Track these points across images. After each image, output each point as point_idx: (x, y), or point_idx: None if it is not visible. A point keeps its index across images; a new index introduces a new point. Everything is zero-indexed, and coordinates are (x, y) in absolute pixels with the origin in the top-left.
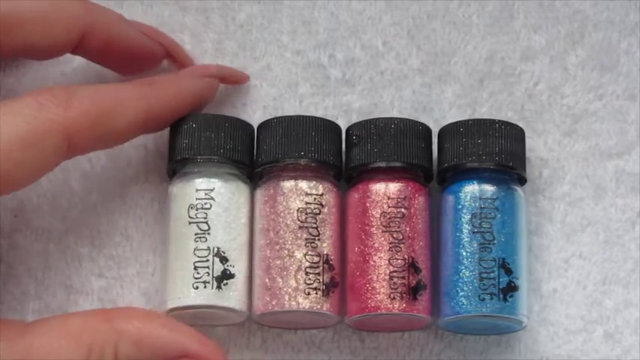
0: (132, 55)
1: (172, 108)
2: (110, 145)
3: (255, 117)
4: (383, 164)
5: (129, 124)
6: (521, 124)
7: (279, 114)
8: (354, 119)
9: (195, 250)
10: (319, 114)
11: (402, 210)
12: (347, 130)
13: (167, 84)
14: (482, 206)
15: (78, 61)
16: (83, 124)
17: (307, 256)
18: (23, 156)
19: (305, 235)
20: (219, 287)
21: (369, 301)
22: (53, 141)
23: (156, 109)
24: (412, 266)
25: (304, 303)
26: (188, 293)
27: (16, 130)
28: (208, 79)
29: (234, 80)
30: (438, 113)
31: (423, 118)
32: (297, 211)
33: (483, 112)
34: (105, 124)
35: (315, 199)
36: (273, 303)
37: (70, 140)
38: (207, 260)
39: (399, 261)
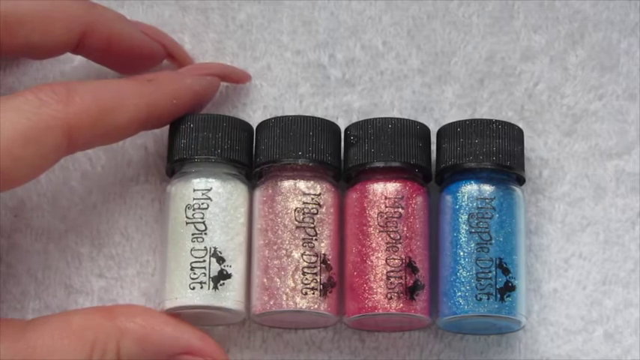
0: (132, 55)
1: (173, 105)
2: (111, 141)
3: (255, 117)
4: (380, 164)
5: (130, 120)
6: (521, 124)
7: (280, 114)
8: (354, 119)
9: (192, 250)
10: (319, 114)
11: (400, 210)
12: (345, 131)
13: (168, 81)
14: (480, 206)
15: (78, 60)
16: (84, 120)
17: (305, 256)
18: (23, 152)
19: (302, 235)
20: (215, 287)
21: (367, 301)
22: (53, 137)
23: (157, 106)
24: (409, 266)
25: (301, 303)
26: (185, 293)
27: (16, 127)
28: (210, 78)
29: (235, 79)
30: (438, 113)
31: (423, 118)
32: (295, 211)
33: (483, 112)
34: (106, 120)
35: (312, 199)
36: (271, 303)
37: (71, 136)
38: (204, 260)
39: (396, 261)
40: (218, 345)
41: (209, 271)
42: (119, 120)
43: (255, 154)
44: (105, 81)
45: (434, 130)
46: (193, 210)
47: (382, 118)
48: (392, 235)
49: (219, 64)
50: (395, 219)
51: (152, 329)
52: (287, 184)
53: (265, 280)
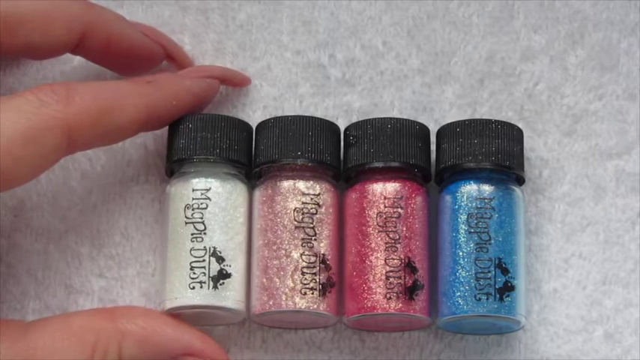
0: (132, 56)
1: (172, 106)
2: (110, 141)
3: (255, 117)
4: (380, 164)
5: (129, 121)
6: (521, 124)
7: (279, 114)
8: (354, 119)
9: (191, 250)
10: (319, 114)
11: (399, 210)
12: (344, 131)
13: (168, 82)
14: (479, 206)
15: (78, 60)
16: (84, 120)
17: (304, 256)
18: (23, 152)
19: (301, 235)
20: (215, 287)
21: (366, 301)
22: (53, 137)
23: (156, 107)
24: (408, 266)
25: (301, 303)
26: (185, 293)
27: (16, 127)
28: (209, 80)
29: (235, 82)
30: (438, 113)
31: (423, 118)
32: (294, 211)
33: (483, 112)
34: (105, 121)
35: (311, 199)
36: (271, 303)
37: (71, 137)
38: (204, 260)
39: (396, 261)
40: (219, 345)
41: (209, 271)
42: (119, 120)
43: (255, 154)
44: (105, 82)
45: (434, 129)
46: (192, 210)
47: (382, 118)
48: (391, 235)
49: (220, 67)
50: (394, 219)
51: (153, 331)
52: (286, 184)
53: (265, 280)
